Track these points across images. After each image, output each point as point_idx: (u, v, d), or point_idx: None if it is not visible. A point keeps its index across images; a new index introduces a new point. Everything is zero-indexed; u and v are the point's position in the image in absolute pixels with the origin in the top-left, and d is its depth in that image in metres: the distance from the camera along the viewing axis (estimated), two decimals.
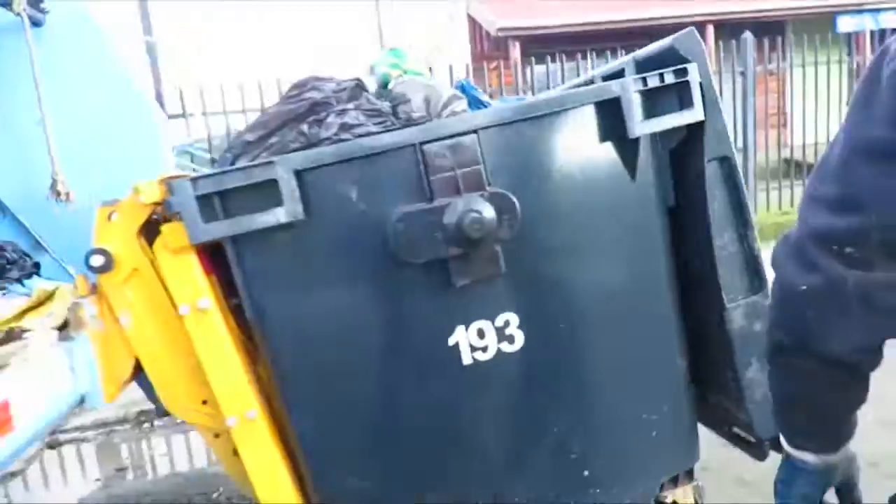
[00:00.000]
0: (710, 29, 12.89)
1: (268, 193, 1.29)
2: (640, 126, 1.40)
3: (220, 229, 1.29)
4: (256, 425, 1.45)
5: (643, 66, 1.59)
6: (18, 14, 2.76)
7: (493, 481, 1.51)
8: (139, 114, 3.35)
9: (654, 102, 1.47)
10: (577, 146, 1.43)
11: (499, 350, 1.45)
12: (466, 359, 1.44)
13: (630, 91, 1.39)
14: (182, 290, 1.38)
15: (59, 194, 2.75)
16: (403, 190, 1.34)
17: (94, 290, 1.47)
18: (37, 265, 1.94)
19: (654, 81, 1.43)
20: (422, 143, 1.31)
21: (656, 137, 1.52)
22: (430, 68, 7.67)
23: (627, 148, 1.45)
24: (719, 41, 8.66)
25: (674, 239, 1.61)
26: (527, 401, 1.50)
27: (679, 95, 1.46)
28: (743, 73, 7.66)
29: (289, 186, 1.27)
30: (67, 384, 1.36)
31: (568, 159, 1.42)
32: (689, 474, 1.70)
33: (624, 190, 1.48)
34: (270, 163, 1.26)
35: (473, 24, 14.26)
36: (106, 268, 1.40)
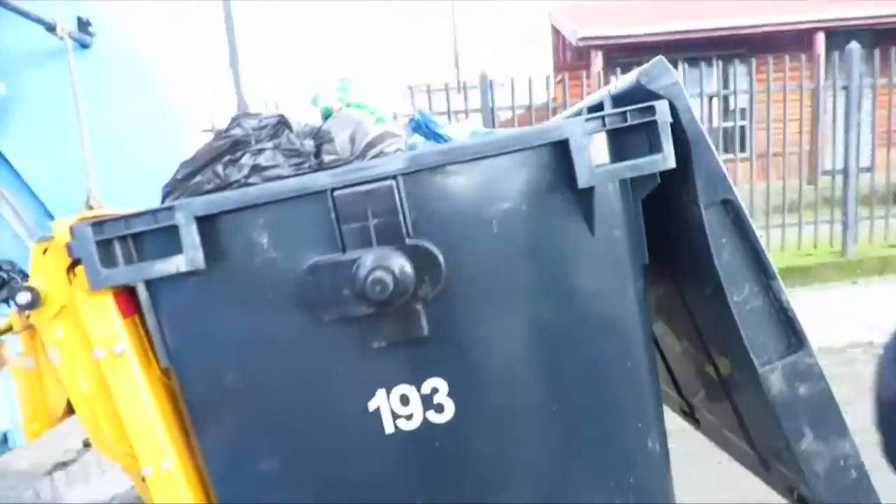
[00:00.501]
0: (820, 37, 11.82)
1: (172, 239, 1.21)
2: (592, 175, 1.20)
3: (122, 275, 1.23)
4: (171, 475, 1.37)
5: (618, 102, 1.38)
6: (62, 38, 2.92)
7: None
8: (176, 131, 3.48)
9: (622, 145, 1.26)
10: (520, 195, 1.24)
11: (425, 419, 1.29)
12: (389, 427, 1.29)
13: (579, 133, 1.19)
14: (97, 333, 1.34)
15: (91, 209, 2.88)
16: (316, 239, 1.22)
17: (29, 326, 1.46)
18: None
19: (614, 121, 1.22)
20: (333, 189, 1.18)
21: (626, 186, 1.31)
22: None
23: (583, 198, 1.25)
24: (833, 52, 7.86)
25: (677, 303, 1.40)
26: (457, 479, 1.33)
27: (649, 138, 1.24)
28: (846, 88, 6.91)
29: (189, 233, 1.19)
30: None
31: (509, 210, 1.24)
32: None
33: (580, 246, 1.28)
34: (170, 208, 1.19)
35: (557, 35, 13.94)
36: (33, 305, 1.38)
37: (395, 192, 1.18)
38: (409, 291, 1.18)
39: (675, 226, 1.44)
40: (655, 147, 1.23)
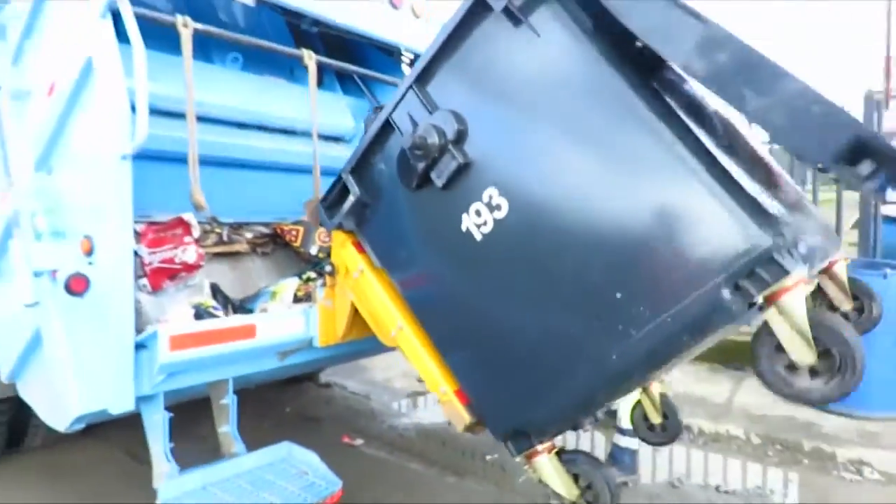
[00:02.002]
0: None
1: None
2: None
3: (338, 219, 2.27)
4: (404, 334, 2.20)
5: None
6: None
7: (539, 325, 1.80)
8: None
9: None
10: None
11: (494, 219, 1.85)
12: (477, 236, 1.89)
13: None
14: (351, 265, 2.36)
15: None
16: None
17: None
18: None
19: None
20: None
21: None
22: None
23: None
24: None
25: None
26: (533, 251, 1.78)
27: None
28: None
29: (349, 180, 2.18)
30: (300, 329, 2.45)
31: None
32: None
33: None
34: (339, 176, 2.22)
35: None
36: (332, 273, 2.50)
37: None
38: (439, 143, 1.87)
39: None
40: None
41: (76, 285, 1.96)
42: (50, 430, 3.44)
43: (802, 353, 1.56)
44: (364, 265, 2.33)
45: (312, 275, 2.84)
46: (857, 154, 1.33)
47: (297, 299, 2.72)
